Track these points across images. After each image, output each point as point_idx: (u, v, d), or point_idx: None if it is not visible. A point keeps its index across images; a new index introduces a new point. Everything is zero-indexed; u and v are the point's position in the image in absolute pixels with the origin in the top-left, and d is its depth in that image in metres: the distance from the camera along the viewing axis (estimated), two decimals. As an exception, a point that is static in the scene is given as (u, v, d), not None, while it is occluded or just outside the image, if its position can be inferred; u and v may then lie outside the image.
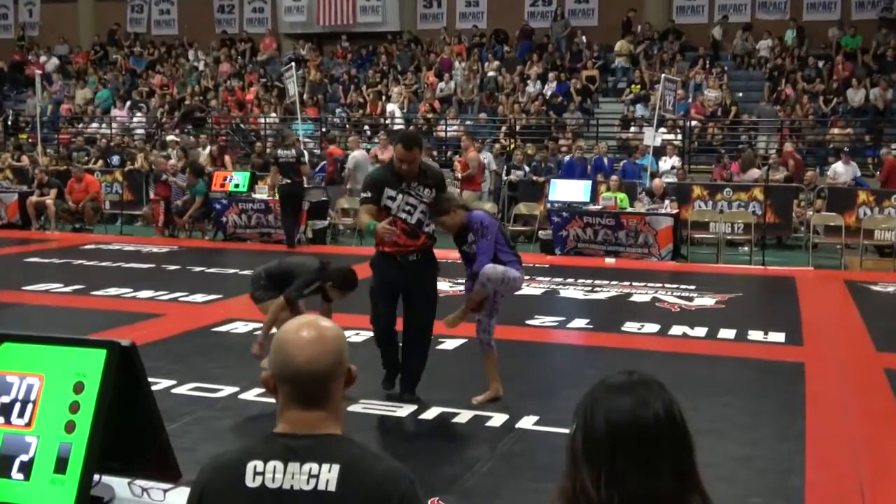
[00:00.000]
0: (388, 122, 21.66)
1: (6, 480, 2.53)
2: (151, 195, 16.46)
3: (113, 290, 10.51)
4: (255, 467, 2.03)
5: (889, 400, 6.61)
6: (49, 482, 2.48)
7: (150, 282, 11.08)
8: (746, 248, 14.16)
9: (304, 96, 21.99)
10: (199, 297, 10.13)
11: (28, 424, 2.57)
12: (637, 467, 1.75)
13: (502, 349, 8.07)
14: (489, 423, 5.89)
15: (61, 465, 2.49)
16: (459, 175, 15.82)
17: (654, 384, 1.85)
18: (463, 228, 6.13)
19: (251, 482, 2.02)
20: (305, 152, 16.71)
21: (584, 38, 23.49)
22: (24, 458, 2.53)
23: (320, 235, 15.15)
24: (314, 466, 2.02)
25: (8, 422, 2.60)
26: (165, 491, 2.65)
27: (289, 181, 14.26)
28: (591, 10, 24.62)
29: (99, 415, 2.53)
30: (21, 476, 2.51)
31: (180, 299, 10.11)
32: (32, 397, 2.60)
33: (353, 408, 5.86)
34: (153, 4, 28.31)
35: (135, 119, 23.76)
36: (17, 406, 2.61)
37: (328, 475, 2.01)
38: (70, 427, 2.53)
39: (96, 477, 2.60)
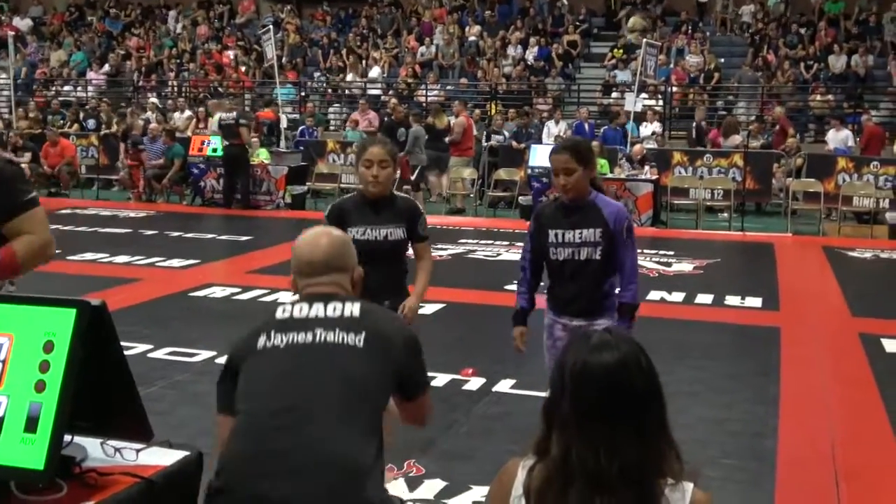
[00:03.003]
0: (366, 87, 21.52)
1: (-25, 439, 2.50)
2: (126, 160, 16.15)
3: (89, 255, 10.44)
4: (283, 309, 2.51)
5: (863, 364, 6.68)
6: (20, 441, 2.46)
7: (127, 247, 11.01)
8: (726, 215, 14.20)
9: (283, 60, 21.77)
10: (176, 262, 10.07)
11: (-3, 384, 2.54)
12: (634, 434, 1.79)
13: (481, 313, 8.12)
14: (466, 387, 5.91)
15: (31, 425, 2.47)
16: (446, 139, 15.62)
17: (631, 342, 1.88)
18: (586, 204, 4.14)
19: (280, 315, 2.49)
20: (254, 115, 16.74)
21: (565, 1, 23.33)
22: (-6, 417, 2.50)
23: (299, 200, 15.07)
24: (338, 304, 2.46)
25: (-23, 381, 2.56)
26: (138, 451, 2.63)
27: (228, 143, 14.37)
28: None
29: (69, 374, 2.50)
30: (-10, 435, 2.48)
31: (157, 264, 10.05)
32: (2, 357, 2.57)
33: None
34: (130, -35, 27.87)
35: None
36: (-13, 366, 2.57)
37: (351, 308, 2.46)
38: (40, 386, 2.50)
39: (68, 437, 2.58)
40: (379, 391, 2.39)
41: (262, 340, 2.44)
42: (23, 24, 26.24)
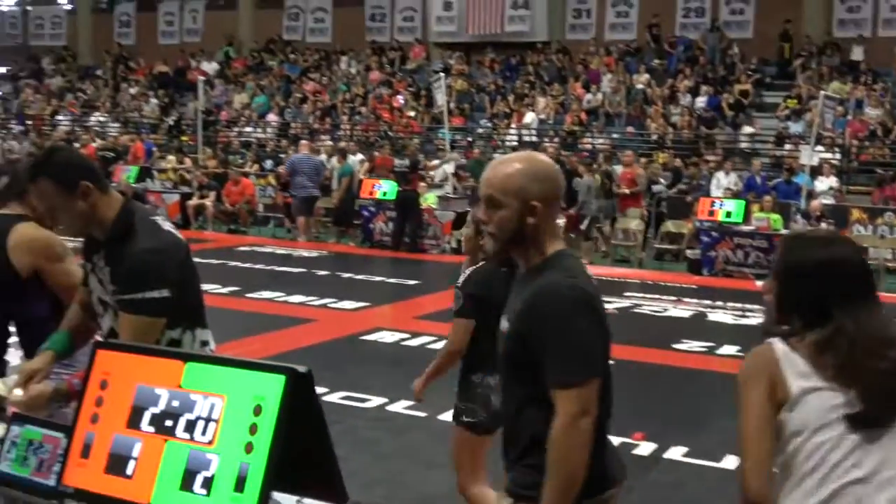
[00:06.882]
0: (525, 133, 21.69)
1: (190, 494, 2.64)
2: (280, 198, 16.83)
3: (266, 294, 10.89)
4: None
5: None
6: (229, 499, 2.58)
7: (302, 286, 11.41)
8: (908, 276, 13.46)
9: (451, 105, 22.20)
10: (347, 304, 10.37)
11: (210, 442, 2.68)
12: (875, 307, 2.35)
13: (649, 373, 7.97)
14: (637, 451, 5.81)
15: (240, 484, 2.58)
16: (627, 191, 15.47)
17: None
18: None
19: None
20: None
21: (737, 49, 22.86)
22: (206, 474, 2.63)
23: (464, 245, 15.26)
24: None
25: (192, 438, 2.71)
26: (333, 511, 2.72)
27: (401, 188, 14.76)
28: (747, 22, 23.92)
29: (276, 438, 2.61)
30: (203, 491, 2.62)
31: (330, 305, 10.38)
32: (215, 416, 2.70)
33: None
34: (308, 13, 29.17)
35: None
36: (201, 424, 2.71)
37: None
38: (249, 448, 2.62)
39: (267, 493, 2.68)
40: None
41: None
42: (210, 67, 27.83)
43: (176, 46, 29.78)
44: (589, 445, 2.40)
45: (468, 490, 4.17)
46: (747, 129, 20.49)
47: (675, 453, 5.78)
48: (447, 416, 6.42)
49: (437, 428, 6.01)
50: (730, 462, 5.54)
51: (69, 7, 33.00)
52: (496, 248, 2.64)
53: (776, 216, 13.82)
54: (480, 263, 4.07)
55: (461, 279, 4.10)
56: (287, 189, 16.74)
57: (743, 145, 20.29)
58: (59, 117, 26.95)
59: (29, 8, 33.73)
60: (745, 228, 13.50)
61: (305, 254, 14.60)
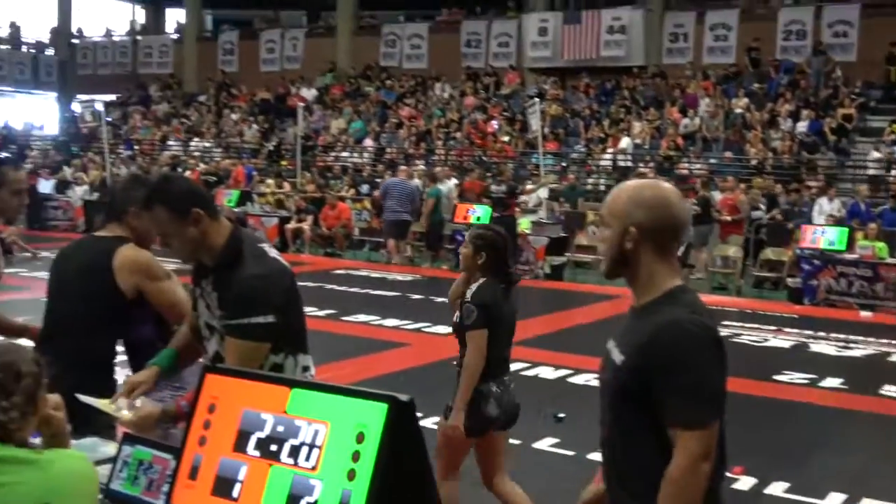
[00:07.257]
0: (621, 158, 21.51)
1: (293, 519, 2.69)
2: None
3: (362, 317, 11.03)
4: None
5: None
6: (331, 526, 2.61)
7: (396, 310, 11.53)
8: None
9: (545, 130, 22.17)
10: (441, 329, 10.42)
11: (314, 468, 2.73)
12: None
13: (748, 405, 7.78)
14: (736, 486, 5.68)
15: (342, 511, 2.62)
16: (729, 217, 15.21)
17: None
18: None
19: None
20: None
21: (839, 72, 22.28)
22: (309, 499, 2.68)
23: (558, 271, 15.21)
24: None
25: (296, 464, 2.76)
26: (431, 541, 2.73)
27: (498, 214, 14.85)
28: (850, 45, 23.29)
29: (378, 465, 2.64)
30: (306, 517, 2.66)
31: (423, 329, 10.45)
32: (318, 443, 2.75)
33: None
34: (405, 39, 29.58)
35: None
36: (305, 450, 2.76)
37: None
38: (351, 475, 2.66)
39: (367, 520, 2.71)
40: None
41: None
42: (309, 93, 28.42)
43: (277, 73, 30.52)
44: (704, 489, 2.34)
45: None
46: (874, 155, 19.82)
47: (777, 489, 5.63)
48: (542, 443, 6.43)
49: (532, 455, 6.01)
50: (834, 500, 5.38)
51: (176, 36, 34.30)
52: (604, 268, 2.62)
53: (881, 244, 13.39)
54: (482, 280, 4.43)
55: (469, 294, 4.40)
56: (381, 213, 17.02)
57: (871, 172, 19.65)
58: (170, 142, 27.89)
59: (138, 38, 35.14)
60: (849, 257, 13.11)
61: (399, 277, 14.75)
